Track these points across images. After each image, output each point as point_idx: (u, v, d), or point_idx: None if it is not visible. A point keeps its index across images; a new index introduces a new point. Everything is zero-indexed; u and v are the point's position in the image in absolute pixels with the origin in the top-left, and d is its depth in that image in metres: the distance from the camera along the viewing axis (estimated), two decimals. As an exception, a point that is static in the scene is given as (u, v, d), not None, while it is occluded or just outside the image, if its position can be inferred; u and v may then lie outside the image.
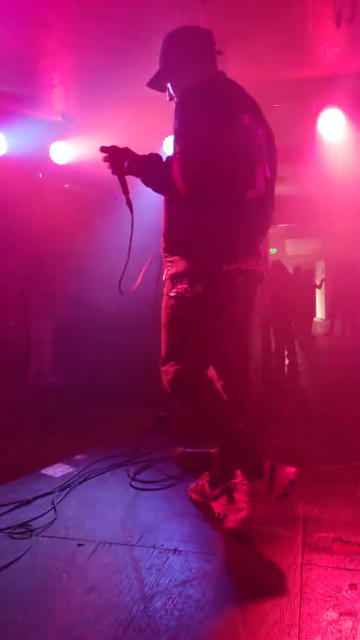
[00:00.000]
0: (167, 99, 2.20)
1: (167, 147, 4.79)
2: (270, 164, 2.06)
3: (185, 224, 2.01)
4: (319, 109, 4.50)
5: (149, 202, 2.23)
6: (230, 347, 2.16)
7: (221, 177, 1.88)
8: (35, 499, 2.46)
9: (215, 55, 2.17)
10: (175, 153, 1.94)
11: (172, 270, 2.06)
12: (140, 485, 2.63)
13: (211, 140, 1.86)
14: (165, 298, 2.09)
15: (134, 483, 2.65)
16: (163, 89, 2.20)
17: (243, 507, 2.00)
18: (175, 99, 2.13)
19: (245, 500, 2.00)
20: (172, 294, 2.05)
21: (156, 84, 2.20)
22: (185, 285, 1.99)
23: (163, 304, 2.10)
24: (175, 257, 2.05)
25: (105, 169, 1.96)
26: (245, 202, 1.95)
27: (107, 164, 1.93)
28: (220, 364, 2.21)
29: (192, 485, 2.40)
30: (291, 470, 2.07)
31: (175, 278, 2.04)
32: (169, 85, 2.17)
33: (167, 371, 2.06)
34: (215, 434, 2.20)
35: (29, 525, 2.18)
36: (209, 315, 2.01)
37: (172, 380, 2.05)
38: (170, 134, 4.77)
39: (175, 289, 2.03)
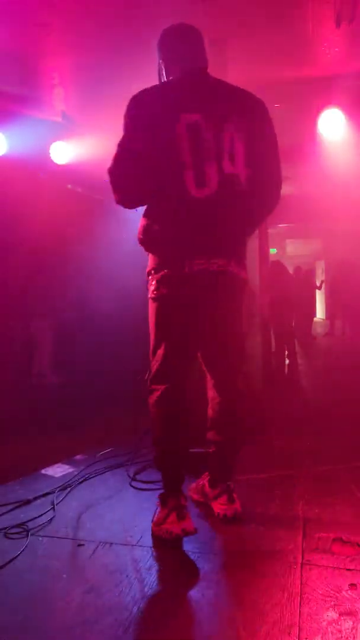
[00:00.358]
0: None
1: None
2: (256, 161, 2.03)
3: (142, 224, 2.05)
4: (319, 109, 4.51)
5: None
6: (214, 348, 2.15)
7: (140, 180, 1.96)
8: (35, 499, 2.46)
9: (196, 52, 2.13)
10: None
11: (147, 269, 2.11)
12: (140, 485, 2.63)
13: (127, 145, 1.95)
14: None
15: (134, 483, 2.65)
16: None
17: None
18: None
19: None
20: (148, 295, 2.09)
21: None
22: (153, 287, 2.03)
23: None
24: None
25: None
26: (194, 202, 1.92)
27: None
28: (206, 362, 2.22)
29: (193, 485, 2.40)
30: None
31: (147, 277, 2.09)
32: None
33: (152, 367, 2.11)
34: (159, 437, 2.11)
35: (27, 525, 2.18)
36: (174, 315, 2.01)
37: (154, 374, 2.08)
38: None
39: (149, 290, 2.07)
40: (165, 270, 1.98)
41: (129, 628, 1.49)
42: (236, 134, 1.99)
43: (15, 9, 3.46)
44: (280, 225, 10.63)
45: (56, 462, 3.01)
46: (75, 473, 2.82)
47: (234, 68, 4.00)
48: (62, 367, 5.89)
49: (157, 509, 2.09)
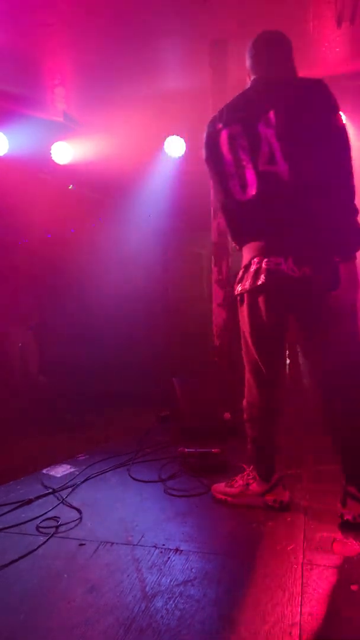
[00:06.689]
0: None
1: (168, 148, 4.79)
2: (291, 163, 1.99)
3: None
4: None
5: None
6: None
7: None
8: (36, 498, 2.47)
9: (267, 59, 2.32)
10: None
11: None
12: (142, 484, 2.63)
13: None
14: None
15: (135, 483, 2.65)
16: None
17: None
18: None
19: None
20: None
21: None
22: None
23: None
24: None
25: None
26: (242, 205, 2.10)
27: None
28: None
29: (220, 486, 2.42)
30: None
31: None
32: None
33: None
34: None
35: (29, 524, 2.18)
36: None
37: None
38: (172, 134, 4.81)
39: None
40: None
41: (130, 628, 1.49)
42: (269, 131, 2.03)
43: (16, 9, 3.47)
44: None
45: (58, 462, 3.01)
46: (77, 473, 2.82)
47: (234, 68, 4.00)
48: (61, 368, 5.89)
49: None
